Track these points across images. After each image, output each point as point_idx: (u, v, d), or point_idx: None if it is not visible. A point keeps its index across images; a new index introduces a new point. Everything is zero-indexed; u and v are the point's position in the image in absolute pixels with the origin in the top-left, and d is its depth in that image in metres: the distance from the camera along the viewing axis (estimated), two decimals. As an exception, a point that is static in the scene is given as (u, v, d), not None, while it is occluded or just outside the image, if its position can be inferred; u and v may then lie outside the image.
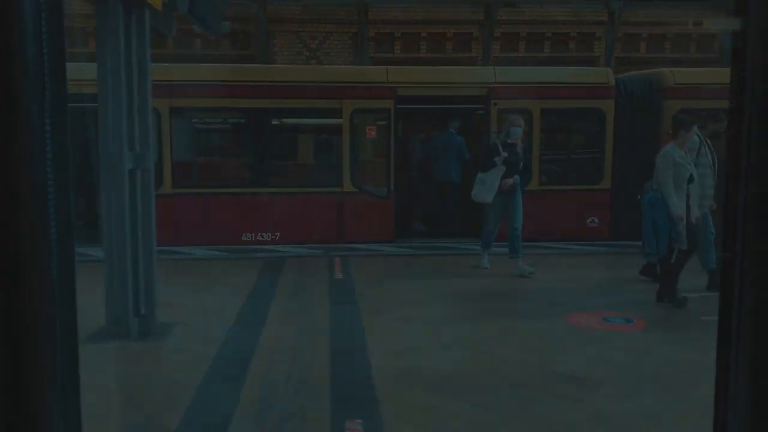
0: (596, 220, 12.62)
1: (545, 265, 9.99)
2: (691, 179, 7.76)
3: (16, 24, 1.08)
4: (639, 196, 8.74)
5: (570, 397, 4.89)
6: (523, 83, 12.45)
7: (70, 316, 1.19)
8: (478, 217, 11.20)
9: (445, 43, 17.18)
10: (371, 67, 13.70)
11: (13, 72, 1.08)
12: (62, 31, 1.18)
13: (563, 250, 11.53)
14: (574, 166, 13.23)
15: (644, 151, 12.53)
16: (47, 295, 1.13)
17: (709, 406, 4.50)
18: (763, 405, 1.21)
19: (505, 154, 9.61)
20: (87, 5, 8.42)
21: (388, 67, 12.51)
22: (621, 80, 12.81)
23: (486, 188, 9.63)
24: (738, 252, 1.21)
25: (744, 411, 1.24)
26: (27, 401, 1.11)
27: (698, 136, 8.53)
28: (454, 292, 8.28)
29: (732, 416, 1.28)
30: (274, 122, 12.60)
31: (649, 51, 17.50)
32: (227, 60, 15.34)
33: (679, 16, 16.97)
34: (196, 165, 12.43)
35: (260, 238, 11.87)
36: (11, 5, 1.08)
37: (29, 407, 1.11)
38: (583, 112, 12.81)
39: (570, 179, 12.93)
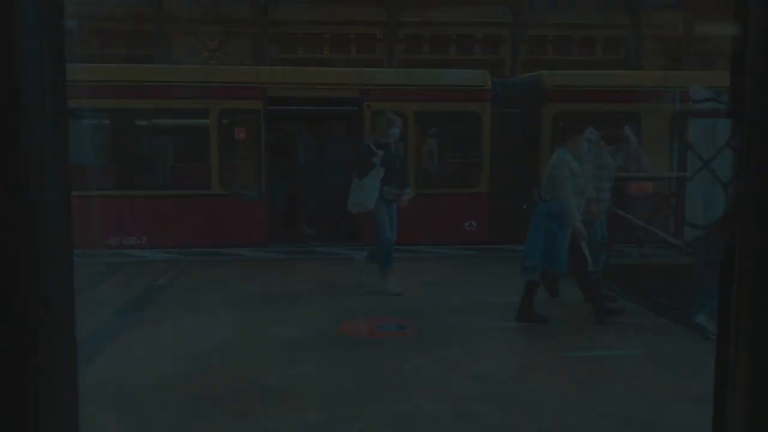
0: (474, 223, 12.45)
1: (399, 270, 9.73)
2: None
3: (18, 23, 1.08)
4: (525, 206, 8.27)
5: (246, 412, 4.69)
6: (397, 85, 12.29)
7: (68, 322, 1.23)
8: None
9: (349, 44, 16.99)
10: (241, 67, 13.49)
11: (15, 72, 1.10)
12: (62, 31, 1.19)
13: (428, 253, 11.34)
14: (451, 169, 13.06)
15: (523, 154, 12.44)
16: (45, 299, 1.15)
17: (364, 422, 4.30)
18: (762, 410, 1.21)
19: (381, 152, 9.01)
20: None
21: (259, 67, 12.31)
22: (498, 83, 12.66)
23: (366, 194, 8.62)
24: (737, 256, 1.22)
25: (743, 417, 1.24)
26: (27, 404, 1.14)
27: (593, 138, 8.27)
28: (264, 297, 8.05)
29: (731, 419, 1.28)
30: (142, 123, 12.33)
31: (555, 53, 17.40)
32: (126, 60, 15.08)
33: (586, 18, 16.89)
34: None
35: (126, 243, 11.61)
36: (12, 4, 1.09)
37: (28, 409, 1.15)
38: (459, 115, 12.63)
39: (447, 183, 12.77)
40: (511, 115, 12.45)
